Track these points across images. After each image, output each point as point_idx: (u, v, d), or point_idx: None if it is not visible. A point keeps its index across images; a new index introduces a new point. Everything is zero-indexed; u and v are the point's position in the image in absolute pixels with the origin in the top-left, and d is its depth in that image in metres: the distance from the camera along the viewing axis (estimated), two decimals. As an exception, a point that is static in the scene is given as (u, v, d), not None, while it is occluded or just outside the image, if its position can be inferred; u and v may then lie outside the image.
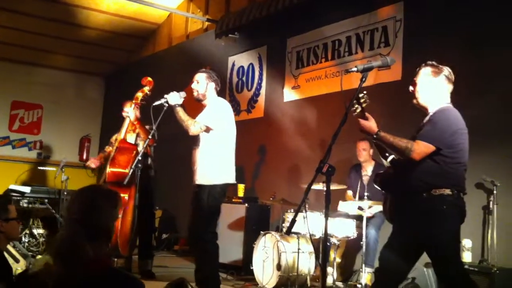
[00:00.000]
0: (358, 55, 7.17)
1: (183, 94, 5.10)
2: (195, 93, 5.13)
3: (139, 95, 6.29)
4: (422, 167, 3.56)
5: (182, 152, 6.74)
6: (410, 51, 6.42)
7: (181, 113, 4.96)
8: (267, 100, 8.60)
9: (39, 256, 6.25)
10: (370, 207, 5.87)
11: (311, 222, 5.64)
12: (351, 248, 6.46)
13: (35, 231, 7.48)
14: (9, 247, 5.58)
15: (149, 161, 6.55)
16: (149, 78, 5.85)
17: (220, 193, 4.89)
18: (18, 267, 5.08)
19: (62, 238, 2.09)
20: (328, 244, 5.80)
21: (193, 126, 4.88)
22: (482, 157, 5.25)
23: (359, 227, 5.90)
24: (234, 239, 7.05)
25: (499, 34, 5.65)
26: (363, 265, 5.64)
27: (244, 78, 9.12)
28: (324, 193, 5.75)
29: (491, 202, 5.35)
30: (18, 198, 7.21)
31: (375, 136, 3.58)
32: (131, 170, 4.97)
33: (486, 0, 5.82)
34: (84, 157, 12.86)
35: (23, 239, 7.27)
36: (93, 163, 6.77)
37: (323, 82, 7.64)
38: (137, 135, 6.47)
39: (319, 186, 5.49)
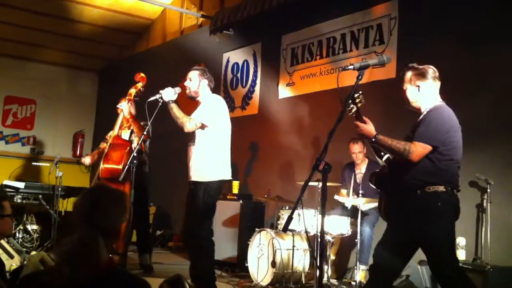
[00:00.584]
0: (353, 52, 7.18)
1: (178, 89, 5.08)
2: (187, 91, 5.11)
3: (132, 91, 6.29)
4: (417, 165, 3.58)
5: (176, 149, 6.73)
6: (405, 49, 6.44)
7: (175, 110, 4.94)
8: (262, 97, 8.60)
9: (33, 252, 6.23)
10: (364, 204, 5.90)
11: (306, 219, 5.65)
12: (345, 245, 6.47)
13: (29, 227, 7.44)
14: (3, 243, 5.57)
15: (144, 157, 6.54)
16: (142, 74, 5.85)
17: (216, 190, 4.88)
18: (13, 263, 5.07)
19: (78, 241, 2.07)
20: (326, 241, 5.80)
21: (189, 123, 4.87)
22: (476, 155, 5.29)
23: (353, 224, 5.91)
24: (229, 236, 7.06)
25: (494, 33, 5.67)
26: (357, 262, 5.66)
27: (238, 75, 9.11)
28: (319, 190, 5.84)
29: (484, 201, 5.39)
30: (12, 193, 7.17)
31: (373, 139, 3.59)
32: (126, 167, 4.97)
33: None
34: (78, 152, 12.84)
35: (17, 235, 7.24)
36: (87, 159, 6.76)
37: (317, 80, 7.65)
38: (132, 132, 6.45)
39: (313, 183, 5.50)
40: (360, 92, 3.53)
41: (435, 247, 3.59)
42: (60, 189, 7.28)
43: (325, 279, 6.07)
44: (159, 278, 4.59)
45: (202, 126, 4.90)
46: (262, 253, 6.03)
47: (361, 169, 6.38)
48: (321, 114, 7.46)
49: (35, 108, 12.87)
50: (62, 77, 13.15)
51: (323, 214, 3.11)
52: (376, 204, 5.75)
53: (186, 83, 5.14)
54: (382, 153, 3.88)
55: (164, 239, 9.34)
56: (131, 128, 6.48)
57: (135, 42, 12.38)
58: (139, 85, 6.18)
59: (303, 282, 5.99)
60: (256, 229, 6.28)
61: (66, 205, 8.17)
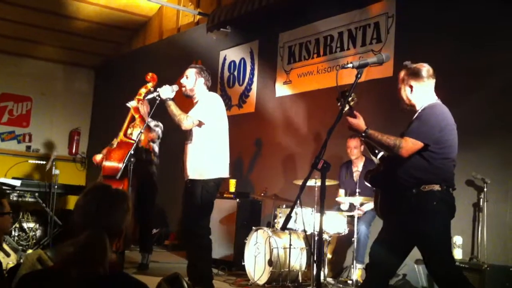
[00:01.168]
0: (350, 51, 7.18)
1: (175, 87, 5.08)
2: (183, 88, 5.11)
3: (143, 91, 6.23)
4: (412, 163, 3.58)
5: (172, 146, 6.71)
6: (402, 48, 6.43)
7: (172, 107, 4.94)
8: (259, 95, 8.59)
9: (29, 251, 6.22)
10: (362, 204, 5.91)
11: (303, 218, 5.65)
12: (341, 244, 6.47)
13: (25, 225, 7.43)
14: (-1, 240, 5.54)
15: (152, 156, 6.55)
16: (153, 74, 5.77)
17: (214, 187, 4.88)
18: (9, 261, 5.04)
19: (84, 242, 2.06)
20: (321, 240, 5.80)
21: (186, 120, 4.87)
22: (473, 154, 5.30)
23: (350, 223, 5.92)
24: (225, 235, 7.06)
25: (491, 32, 5.68)
26: (354, 261, 5.68)
27: (235, 73, 9.09)
28: (316, 188, 5.85)
29: (481, 199, 5.39)
30: (8, 191, 7.14)
31: (363, 134, 3.59)
32: (124, 164, 4.96)
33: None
34: (74, 150, 12.81)
35: (13, 233, 7.22)
36: (99, 157, 6.71)
37: (314, 78, 7.64)
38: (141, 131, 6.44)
39: (310, 182, 5.50)
40: (352, 91, 3.52)
41: (431, 246, 3.59)
42: (56, 187, 7.26)
43: (321, 277, 6.09)
44: (155, 277, 4.60)
45: (199, 124, 4.89)
46: (259, 252, 6.03)
47: (358, 167, 6.38)
48: (318, 113, 7.46)
49: (31, 105, 12.81)
50: (58, 74, 13.09)
51: (322, 212, 3.10)
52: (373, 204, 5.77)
53: (183, 81, 5.14)
54: (377, 151, 3.89)
55: (161, 237, 9.32)
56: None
57: (131, 39, 12.34)
58: (149, 85, 6.13)
59: (300, 280, 6.00)
60: (253, 227, 6.28)
61: (63, 203, 8.17)
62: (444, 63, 5.55)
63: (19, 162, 9.73)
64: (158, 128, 6.42)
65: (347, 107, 3.53)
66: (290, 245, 5.81)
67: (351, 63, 3.35)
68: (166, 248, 8.91)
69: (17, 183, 7.24)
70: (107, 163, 5.96)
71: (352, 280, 5.75)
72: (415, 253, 3.79)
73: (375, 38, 6.84)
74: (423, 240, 3.59)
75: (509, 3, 5.54)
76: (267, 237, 5.98)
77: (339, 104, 3.48)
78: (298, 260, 5.98)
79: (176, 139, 6.61)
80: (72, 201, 9.70)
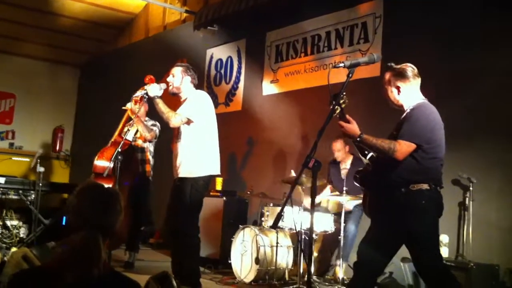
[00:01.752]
0: (338, 50, 7.20)
1: (163, 85, 5.07)
2: (170, 86, 5.09)
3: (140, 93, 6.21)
4: (401, 163, 3.59)
5: (157, 145, 6.70)
6: (389, 48, 6.47)
7: (161, 105, 4.92)
8: (246, 94, 8.59)
9: (14, 248, 6.15)
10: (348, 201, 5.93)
11: (289, 217, 5.66)
12: (328, 242, 6.49)
13: (9, 223, 7.35)
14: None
15: (147, 156, 6.53)
16: (151, 76, 5.74)
17: (203, 185, 4.87)
18: (-7, 259, 5.00)
19: (79, 242, 2.04)
20: (307, 238, 5.83)
21: (174, 118, 4.85)
22: (459, 154, 5.34)
23: (337, 221, 5.94)
24: (211, 233, 7.03)
25: (477, 35, 5.73)
26: (341, 259, 5.70)
27: (222, 71, 9.09)
28: (303, 187, 5.87)
29: (467, 199, 5.45)
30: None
31: (358, 139, 3.60)
32: (111, 163, 4.96)
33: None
34: (57, 148, 12.70)
35: (-5, 230, 7.16)
36: None
37: (302, 77, 7.66)
38: (137, 131, 6.43)
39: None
40: (344, 93, 3.53)
41: (420, 244, 3.61)
42: (41, 184, 7.20)
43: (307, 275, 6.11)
44: (140, 275, 4.57)
45: (188, 122, 4.88)
46: (246, 250, 6.04)
47: (346, 164, 6.40)
48: (305, 112, 7.48)
49: (15, 102, 12.69)
50: (43, 72, 12.98)
51: (312, 211, 3.12)
52: (360, 201, 5.80)
53: (169, 79, 5.12)
54: (366, 152, 3.89)
55: (145, 236, 9.26)
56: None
57: (117, 37, 12.27)
58: (146, 86, 6.10)
59: (286, 278, 6.02)
60: (240, 225, 6.28)
61: (47, 201, 8.09)
62: (430, 64, 5.60)
63: (3, 159, 9.63)
64: (155, 127, 6.39)
65: (338, 109, 3.53)
66: (277, 243, 5.82)
67: (342, 62, 3.35)
68: (151, 247, 8.89)
69: (2, 180, 7.16)
70: (98, 162, 5.96)
71: (338, 278, 5.78)
72: (401, 251, 3.80)
73: (363, 38, 6.87)
74: (412, 238, 3.61)
75: (494, 8, 5.60)
76: (254, 235, 5.98)
77: (331, 106, 3.48)
78: (284, 258, 6.00)
79: (161, 137, 6.63)
80: (56, 198, 9.62)
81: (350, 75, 3.31)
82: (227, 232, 6.79)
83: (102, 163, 5.92)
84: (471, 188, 5.41)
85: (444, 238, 5.31)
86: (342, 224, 5.74)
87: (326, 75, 6.98)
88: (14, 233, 7.34)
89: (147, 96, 5.04)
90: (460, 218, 5.56)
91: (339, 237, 5.75)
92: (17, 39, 11.91)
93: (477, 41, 5.71)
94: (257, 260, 5.84)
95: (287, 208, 5.60)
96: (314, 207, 3.11)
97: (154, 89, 4.97)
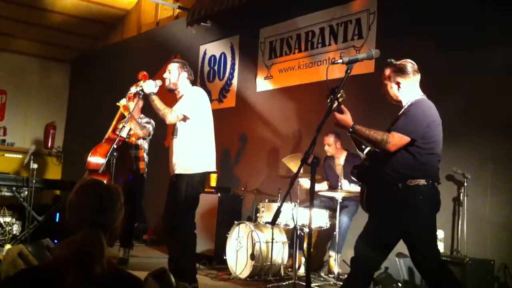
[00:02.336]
0: (332, 46, 7.21)
1: (159, 82, 5.06)
2: (166, 82, 5.08)
3: (133, 89, 6.18)
4: (398, 158, 3.61)
5: (150, 142, 6.69)
6: (383, 44, 6.46)
7: (156, 102, 4.91)
8: (239, 90, 8.58)
9: (7, 245, 6.12)
10: (344, 198, 5.94)
11: (285, 212, 5.68)
12: (322, 238, 6.53)
13: (1, 220, 7.31)
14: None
15: (141, 153, 6.51)
16: (145, 73, 5.73)
17: (199, 182, 4.86)
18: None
19: (81, 241, 2.03)
20: (302, 234, 5.85)
21: (170, 114, 4.84)
22: (453, 150, 5.36)
23: (332, 217, 5.97)
24: (206, 229, 7.04)
25: (470, 31, 5.75)
26: (337, 254, 5.73)
27: (215, 67, 9.07)
28: (299, 184, 5.88)
29: (461, 194, 5.48)
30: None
31: (350, 129, 3.61)
32: (106, 159, 4.95)
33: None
34: (49, 144, 12.64)
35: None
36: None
37: (296, 73, 7.66)
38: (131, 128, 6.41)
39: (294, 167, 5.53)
40: (341, 88, 3.54)
41: (417, 240, 3.62)
42: (34, 181, 7.16)
43: (302, 271, 6.14)
44: (135, 271, 4.57)
45: (184, 118, 4.87)
46: (241, 246, 6.05)
47: (340, 160, 6.42)
48: (299, 108, 7.50)
49: (6, 98, 12.61)
50: (34, 68, 12.93)
51: (311, 206, 3.13)
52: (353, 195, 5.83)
53: (165, 75, 5.11)
54: (363, 146, 3.91)
55: (139, 232, 9.26)
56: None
57: (108, 33, 12.21)
58: (141, 83, 6.08)
59: (282, 274, 6.03)
60: (235, 222, 6.29)
61: (40, 197, 8.06)
62: (424, 60, 5.55)
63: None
64: (149, 125, 6.38)
65: (336, 104, 3.54)
66: (273, 239, 5.83)
67: (341, 59, 3.38)
68: (144, 243, 8.88)
69: (-5, 177, 7.13)
70: (92, 159, 5.93)
71: (333, 273, 5.81)
72: (397, 246, 3.83)
73: (357, 34, 6.89)
74: (409, 234, 3.62)
75: (488, 4, 5.63)
76: (249, 231, 5.99)
77: (328, 100, 3.48)
78: (280, 254, 6.01)
79: (156, 135, 6.62)
80: (49, 195, 9.59)
81: (349, 71, 3.31)
82: (221, 228, 6.79)
83: (96, 159, 5.90)
84: (465, 184, 5.44)
85: (439, 233, 5.33)
86: (337, 219, 5.76)
87: (320, 72, 7.09)
88: (7, 230, 7.30)
89: (142, 93, 5.03)
90: (455, 214, 5.59)
91: (334, 233, 5.78)
92: (7, 35, 11.83)
93: (471, 38, 5.73)
94: (252, 256, 5.85)
95: (291, 204, 5.63)
96: (313, 202, 3.11)
97: (150, 86, 4.96)
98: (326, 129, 5.29)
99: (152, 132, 6.48)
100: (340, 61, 3.35)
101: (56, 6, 10.85)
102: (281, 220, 5.84)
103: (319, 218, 5.85)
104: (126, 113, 5.99)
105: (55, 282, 1.97)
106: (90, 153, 6.02)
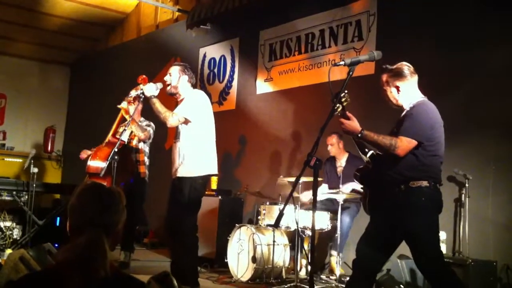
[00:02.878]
0: (332, 48, 7.21)
1: (159, 85, 5.06)
2: (168, 86, 5.08)
3: (133, 93, 6.17)
4: (401, 160, 3.60)
5: (150, 144, 6.68)
6: (384, 46, 6.44)
7: (157, 105, 4.91)
8: (239, 92, 8.58)
9: (8, 250, 6.11)
10: (346, 200, 5.93)
11: (286, 215, 5.66)
12: (323, 240, 6.51)
13: (2, 224, 7.29)
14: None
15: (141, 157, 6.50)
16: (144, 76, 5.72)
17: (202, 184, 4.86)
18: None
19: (85, 244, 2.02)
20: (303, 236, 5.84)
21: (171, 117, 4.84)
22: (455, 151, 5.35)
23: (333, 219, 5.96)
24: (207, 232, 7.01)
25: (469, 32, 5.76)
26: (338, 256, 5.71)
27: (215, 70, 9.07)
28: (300, 186, 5.87)
29: (463, 195, 5.47)
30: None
31: (359, 135, 3.60)
32: (107, 162, 4.94)
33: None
34: (49, 148, 12.62)
35: (-12, 232, 7.10)
36: (84, 154, 6.60)
37: (296, 75, 7.66)
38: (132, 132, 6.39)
39: (293, 179, 5.52)
40: (346, 91, 3.54)
41: (420, 241, 3.62)
42: (34, 185, 7.15)
43: (303, 273, 6.13)
44: (136, 275, 4.55)
45: (186, 121, 4.87)
46: (242, 249, 6.03)
47: (341, 162, 6.41)
48: (299, 110, 7.49)
49: (5, 102, 12.59)
50: (33, 71, 12.90)
51: (314, 209, 3.12)
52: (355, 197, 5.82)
53: (166, 78, 5.11)
54: (366, 149, 3.91)
55: (140, 235, 9.24)
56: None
57: (108, 36, 12.20)
58: (141, 86, 6.07)
59: (284, 277, 6.02)
60: (236, 224, 6.28)
61: (40, 201, 8.04)
62: (424, 61, 5.61)
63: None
64: (149, 128, 6.36)
65: (340, 107, 3.54)
66: (274, 241, 5.82)
67: (343, 60, 3.36)
68: (145, 246, 8.85)
69: (-5, 181, 7.12)
70: (92, 162, 5.91)
71: (335, 275, 5.79)
72: (399, 248, 3.83)
73: (357, 36, 6.89)
74: (411, 235, 3.62)
75: (488, 5, 5.63)
76: (250, 234, 5.97)
77: (336, 106, 3.47)
78: (281, 257, 5.99)
79: (156, 137, 6.61)
80: (49, 199, 9.56)
81: (351, 73, 3.31)
82: (223, 231, 6.78)
83: (96, 163, 5.88)
84: (466, 185, 5.44)
85: (441, 235, 5.32)
86: (339, 221, 5.75)
87: (320, 74, 7.09)
88: (8, 234, 7.29)
89: (143, 96, 5.02)
90: (456, 215, 5.58)
91: (336, 235, 5.76)
92: (7, 39, 11.81)
93: (471, 38, 5.73)
94: (253, 259, 5.84)
95: (294, 207, 5.61)
96: (316, 205, 3.10)
97: (151, 89, 4.95)
98: (328, 129, 5.30)
99: (153, 135, 6.47)
100: (342, 63, 3.34)
101: (55, 9, 10.83)
102: (282, 223, 5.83)
103: (320, 220, 5.84)
104: (127, 116, 5.98)
105: (59, 286, 1.95)
106: (90, 157, 6.00)
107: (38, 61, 12.92)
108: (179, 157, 4.89)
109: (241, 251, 6.04)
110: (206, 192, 7.15)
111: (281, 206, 5.63)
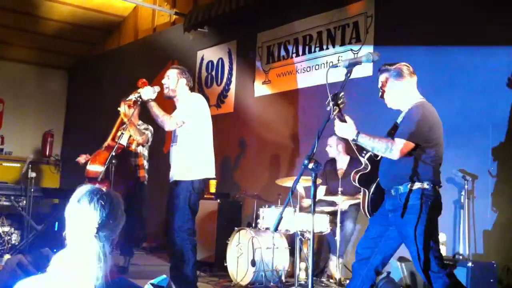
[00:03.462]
0: (329, 50, 7.20)
1: (157, 88, 5.03)
2: (165, 89, 5.05)
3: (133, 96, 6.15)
4: (400, 162, 3.59)
5: (149, 149, 6.67)
6: (381, 47, 6.46)
7: (155, 108, 4.88)
8: (237, 95, 8.56)
9: (7, 256, 6.08)
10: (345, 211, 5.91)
11: (285, 218, 5.62)
12: (323, 243, 6.48)
13: (0, 229, 7.27)
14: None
15: (140, 161, 6.47)
16: (144, 80, 5.70)
17: (199, 188, 4.83)
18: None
19: (85, 249, 2.00)
20: (302, 239, 5.81)
21: (169, 121, 4.81)
22: (454, 151, 5.34)
23: (332, 222, 5.93)
24: (206, 235, 7.00)
25: (467, 33, 5.74)
26: (338, 259, 5.68)
27: (213, 73, 9.05)
28: (300, 189, 5.84)
29: (462, 197, 5.44)
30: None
31: (354, 139, 3.58)
32: (105, 166, 4.93)
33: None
34: (47, 152, 12.58)
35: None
36: (82, 158, 6.57)
37: (294, 77, 7.64)
38: (130, 135, 6.37)
39: (289, 183, 5.52)
40: (342, 93, 3.51)
41: (419, 243, 3.59)
42: (32, 190, 7.12)
43: (303, 276, 6.10)
44: (136, 280, 4.53)
45: (183, 125, 4.84)
46: (242, 252, 6.00)
47: (341, 165, 6.38)
48: (297, 112, 7.48)
49: (3, 107, 12.57)
50: (31, 75, 12.88)
51: (313, 211, 3.09)
52: (355, 201, 5.79)
53: (164, 81, 5.08)
54: (364, 152, 3.89)
55: (139, 240, 9.20)
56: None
57: (105, 40, 12.19)
58: (139, 89, 6.04)
59: (284, 280, 5.98)
60: (235, 228, 6.25)
61: (38, 206, 8.01)
62: (422, 62, 5.61)
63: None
64: (147, 131, 6.34)
65: (337, 110, 3.51)
66: (274, 245, 5.79)
67: (341, 62, 3.34)
68: (144, 251, 8.82)
69: (-7, 186, 7.10)
70: (90, 167, 5.89)
71: (335, 278, 5.76)
72: (398, 251, 3.81)
73: (354, 37, 6.87)
74: (411, 237, 3.60)
75: (486, 4, 5.62)
76: (250, 237, 5.94)
77: (329, 107, 3.45)
78: (281, 260, 5.96)
79: (153, 140, 6.58)
80: (47, 204, 9.53)
81: (349, 74, 3.29)
82: (221, 235, 6.74)
83: (95, 167, 5.87)
84: (465, 186, 5.41)
85: (441, 236, 5.30)
86: (338, 224, 5.72)
87: (318, 76, 7.04)
88: (6, 239, 7.26)
89: (140, 99, 5.00)
90: (455, 217, 5.56)
91: (336, 238, 5.74)
92: (4, 43, 11.79)
93: (470, 38, 5.72)
94: (253, 263, 5.81)
95: (293, 210, 5.59)
96: (315, 208, 3.08)
97: (148, 92, 4.92)
98: (328, 131, 5.28)
99: (151, 139, 6.44)
100: (341, 64, 3.32)
101: (52, 13, 10.83)
102: (281, 226, 5.79)
103: (320, 223, 5.81)
104: (125, 119, 5.96)
105: None
106: (89, 161, 5.98)
107: (35, 65, 12.91)
108: (177, 161, 4.87)
109: (240, 255, 6.02)
110: (205, 196, 7.18)
111: (280, 209, 5.61)
